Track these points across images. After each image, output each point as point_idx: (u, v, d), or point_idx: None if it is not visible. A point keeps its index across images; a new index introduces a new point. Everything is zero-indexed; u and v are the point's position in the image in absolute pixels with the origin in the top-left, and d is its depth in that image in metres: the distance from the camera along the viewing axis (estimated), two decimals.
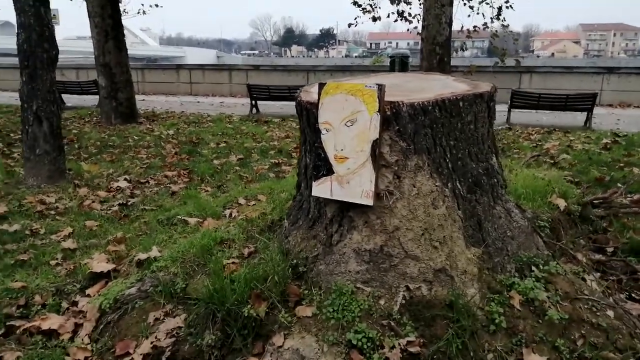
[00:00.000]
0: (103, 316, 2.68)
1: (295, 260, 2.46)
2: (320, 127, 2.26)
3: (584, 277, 2.81)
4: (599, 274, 2.99)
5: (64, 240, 3.97)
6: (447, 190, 2.29)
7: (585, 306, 2.49)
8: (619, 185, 5.70)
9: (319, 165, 2.29)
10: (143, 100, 15.70)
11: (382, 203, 2.22)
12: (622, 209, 4.42)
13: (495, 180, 2.55)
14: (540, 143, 8.74)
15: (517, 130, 10.04)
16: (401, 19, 10.27)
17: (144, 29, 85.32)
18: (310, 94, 2.47)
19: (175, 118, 11.99)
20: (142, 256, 3.04)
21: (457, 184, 2.33)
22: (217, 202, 4.00)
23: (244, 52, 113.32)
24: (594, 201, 4.44)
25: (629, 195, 5.08)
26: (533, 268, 2.54)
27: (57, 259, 3.60)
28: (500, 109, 11.50)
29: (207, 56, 70.36)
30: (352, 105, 2.16)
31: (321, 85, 2.23)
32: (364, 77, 2.81)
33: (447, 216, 2.28)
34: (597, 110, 11.13)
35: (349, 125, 2.18)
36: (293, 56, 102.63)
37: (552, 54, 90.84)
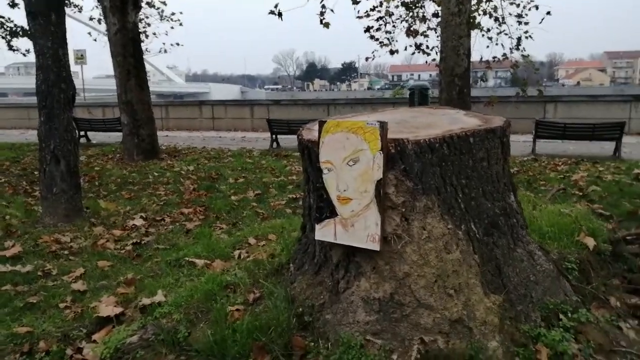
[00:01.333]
0: None
1: (300, 309, 2.30)
2: (322, 166, 2.14)
3: (619, 324, 2.57)
4: (637, 321, 2.74)
5: (75, 281, 3.90)
6: (460, 233, 2.12)
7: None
8: None
9: (322, 206, 2.16)
10: (166, 136, 15.94)
11: (390, 247, 2.07)
12: None
13: (515, 220, 2.37)
14: (567, 174, 8.45)
15: (544, 161, 9.75)
16: (419, 52, 10.25)
17: (170, 66, 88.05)
18: (311, 131, 2.37)
19: (196, 153, 12.08)
20: (146, 301, 2.93)
21: (472, 226, 2.16)
22: (227, 242, 3.89)
23: (267, 86, 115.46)
24: (627, 237, 4.17)
25: None
26: (561, 316, 2.33)
27: (66, 301, 3.51)
28: (526, 139, 11.29)
29: (231, 91, 71.93)
30: (354, 144, 2.04)
31: (321, 123, 2.13)
32: (368, 114, 2.70)
33: (462, 261, 2.10)
34: (626, 139, 10.79)
35: (351, 164, 2.05)
36: (315, 90, 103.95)
37: (578, 82, 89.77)
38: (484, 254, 2.20)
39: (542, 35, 9.57)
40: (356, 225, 2.07)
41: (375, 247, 2.03)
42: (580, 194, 6.95)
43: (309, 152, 2.25)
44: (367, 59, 10.43)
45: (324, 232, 2.16)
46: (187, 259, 3.50)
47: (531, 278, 2.37)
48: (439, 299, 2.06)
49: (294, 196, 7.02)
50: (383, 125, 1.96)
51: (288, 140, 13.38)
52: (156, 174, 9.10)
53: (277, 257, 3.10)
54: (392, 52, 10.26)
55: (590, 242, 3.24)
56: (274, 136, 12.88)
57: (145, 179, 8.54)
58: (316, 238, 2.21)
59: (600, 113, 14.19)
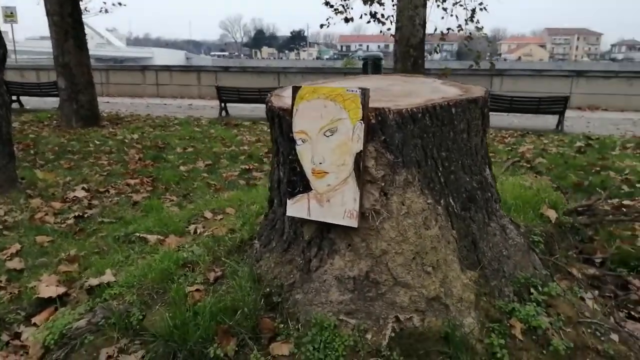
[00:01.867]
0: (47, 353, 2.32)
1: (268, 289, 2.15)
2: (295, 137, 1.96)
3: (582, 295, 2.59)
4: (596, 291, 2.79)
5: (10, 259, 3.57)
6: (439, 208, 2.02)
7: (589, 330, 2.27)
8: (598, 190, 5.62)
9: (294, 180, 1.99)
10: (107, 102, 15.16)
11: (367, 224, 1.94)
12: (606, 216, 4.27)
13: (489, 194, 2.30)
14: (515, 147, 8.66)
15: (491, 134, 9.95)
16: (374, 21, 10.06)
17: (110, 29, 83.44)
18: (282, 98, 2.17)
19: (140, 121, 11.52)
20: (94, 281, 2.69)
21: (451, 201, 2.07)
22: (181, 215, 3.66)
23: (213, 53, 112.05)
24: (578, 208, 4.28)
25: (609, 201, 4.97)
26: (532, 290, 2.30)
27: (0, 281, 3.20)
28: None
29: (175, 57, 69.15)
30: (332, 113, 1.87)
31: (295, 89, 1.94)
32: (343, 80, 2.52)
33: (441, 237, 2.01)
34: (567, 113, 11.18)
35: (329, 135, 1.89)
36: (264, 58, 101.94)
37: (519, 57, 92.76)
38: (461, 229, 2.11)
39: (488, 10, 9.59)
40: (332, 200, 1.91)
41: (353, 223, 1.90)
42: (528, 165, 7.14)
43: (280, 120, 2.06)
44: (321, 26, 10.13)
45: (297, 208, 2.00)
46: (137, 234, 3.25)
47: (504, 253, 2.32)
48: (416, 276, 1.97)
49: (247, 167, 6.81)
50: (365, 93, 1.79)
51: (237, 109, 13.02)
52: (98, 142, 8.58)
53: (237, 233, 2.92)
54: (347, 20, 10.02)
55: (552, 214, 3.27)
56: (223, 104, 12.47)
57: (85, 148, 8.02)
58: (288, 214, 2.04)
59: (543, 87, 14.66)
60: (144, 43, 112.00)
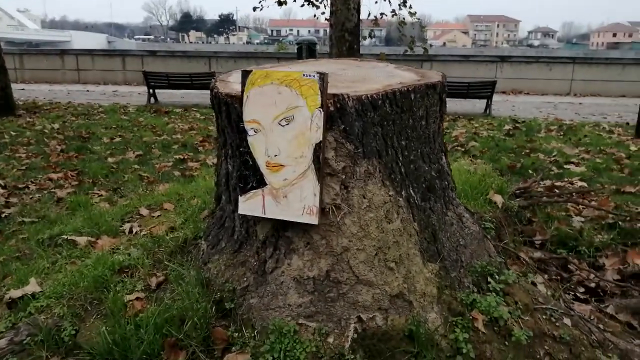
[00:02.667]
0: None
1: (219, 294, 1.96)
2: (246, 126, 1.78)
3: (533, 280, 2.61)
4: (545, 275, 2.84)
5: None
6: (401, 199, 1.91)
7: (544, 317, 2.28)
8: (530, 172, 5.83)
9: (246, 175, 1.80)
10: (22, 89, 14.05)
11: (327, 220, 1.80)
12: (542, 198, 4.41)
13: (446, 182, 2.23)
14: (448, 130, 8.84)
15: None
16: (308, 4, 9.88)
17: (21, 10, 77.42)
18: (229, 84, 1.97)
19: (61, 109, 10.72)
20: (16, 293, 2.37)
21: (411, 191, 1.97)
22: (113, 213, 3.34)
23: (138, 37, 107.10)
24: (516, 191, 4.39)
25: (542, 183, 5.16)
26: (489, 279, 2.27)
27: None
28: None
29: (96, 41, 65.29)
30: (287, 99, 1.70)
31: (245, 74, 1.74)
32: (294, 64, 2.35)
33: (403, 230, 1.91)
34: (494, 98, 11.59)
35: (284, 124, 1.72)
36: (192, 42, 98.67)
37: (444, 43, 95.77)
38: (421, 221, 2.02)
39: None
40: (290, 196, 1.75)
41: (313, 220, 1.75)
42: (463, 149, 7.30)
43: (228, 109, 1.85)
44: (254, 8, 9.81)
45: (250, 205, 1.82)
46: (65, 236, 2.92)
47: (461, 242, 2.27)
48: (379, 273, 1.86)
49: (181, 157, 6.47)
50: (323, 78, 1.64)
51: (167, 95, 12.48)
52: (13, 133, 7.86)
53: (178, 231, 2.68)
54: (280, 3, 9.76)
55: (499, 199, 3.29)
56: (151, 90, 11.85)
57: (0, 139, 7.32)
58: (240, 212, 1.85)
59: (470, 72, 15.17)
60: (60, 26, 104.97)
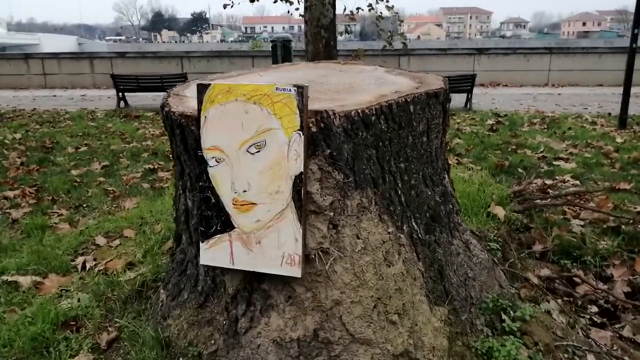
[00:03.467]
0: None
1: (181, 359, 1.58)
2: (206, 155, 1.40)
3: (547, 309, 2.29)
4: (559, 299, 2.53)
5: None
6: (402, 236, 1.56)
7: (567, 355, 1.96)
8: (520, 170, 5.57)
9: (209, 216, 1.42)
10: None
11: (313, 268, 1.43)
12: (535, 200, 4.13)
13: (451, 205, 1.88)
14: None
15: None
16: (281, 0, 9.45)
17: None
18: (184, 100, 1.58)
19: (24, 117, 10.12)
20: None
21: (414, 224, 1.62)
22: (67, 243, 2.92)
23: (109, 38, 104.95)
24: (510, 195, 4.10)
25: (534, 183, 4.89)
26: (503, 316, 1.94)
27: None
28: None
29: (66, 43, 63.53)
30: (257, 120, 1.32)
31: (202, 89, 1.36)
32: (263, 71, 1.96)
33: (406, 274, 1.56)
34: (473, 91, 11.38)
35: (254, 151, 1.34)
36: (164, 42, 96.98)
37: (419, 36, 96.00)
38: (426, 258, 1.68)
39: None
40: (264, 242, 1.38)
41: (296, 272, 1.38)
42: (447, 148, 7.02)
43: (183, 132, 1.47)
44: (224, 6, 9.34)
45: (215, 253, 1.44)
46: (4, 277, 2.49)
47: (469, 274, 1.93)
48: (379, 329, 1.50)
49: (152, 166, 6.02)
50: (302, 92, 1.27)
51: (137, 98, 11.96)
52: None
53: (137, 268, 2.29)
54: (252, 0, 9.31)
55: (501, 212, 2.98)
56: (120, 94, 11.33)
57: None
58: (202, 263, 1.48)
59: (448, 66, 14.96)
60: (28, 28, 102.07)
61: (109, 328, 1.88)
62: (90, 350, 1.80)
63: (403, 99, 1.50)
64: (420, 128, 1.60)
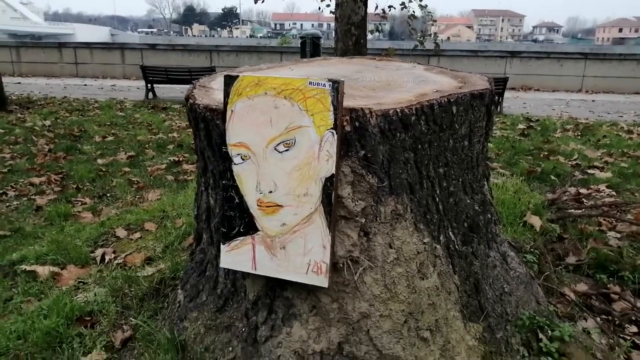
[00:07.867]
0: None
1: None
2: (231, 151, 1.31)
3: (585, 328, 2.15)
4: (598, 317, 2.37)
5: None
6: (438, 247, 1.45)
7: None
8: (552, 177, 5.36)
9: (231, 217, 1.34)
10: (18, 83, 13.65)
11: (341, 278, 1.33)
12: (570, 210, 3.95)
13: (489, 215, 1.76)
14: None
15: None
16: None
17: (24, 2, 76.93)
18: (210, 92, 1.50)
19: (55, 105, 10.28)
20: None
21: (451, 234, 1.50)
22: (87, 234, 2.88)
23: (141, 30, 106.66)
24: (545, 203, 3.93)
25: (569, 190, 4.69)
26: (540, 335, 1.81)
27: None
28: None
29: (99, 34, 64.92)
30: (287, 117, 1.23)
31: (229, 80, 1.27)
32: (295, 65, 1.86)
33: (441, 288, 1.44)
34: (504, 94, 11.15)
35: (283, 150, 1.25)
36: (195, 35, 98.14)
37: (448, 38, 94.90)
38: (462, 271, 1.56)
39: None
40: (290, 247, 1.28)
41: (323, 282, 1.28)
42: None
43: (207, 126, 1.38)
44: (255, 1, 9.30)
45: (236, 257, 1.35)
46: (23, 267, 2.46)
47: (505, 289, 1.80)
48: (409, 345, 1.39)
49: (177, 158, 6.00)
50: (337, 88, 1.16)
51: (166, 90, 12.04)
52: (1, 130, 7.40)
53: (155, 264, 2.22)
54: None
55: (537, 222, 2.82)
56: (149, 85, 11.41)
57: None
58: (222, 266, 1.39)
59: (479, 68, 14.65)
60: (64, 18, 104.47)
61: (124, 326, 1.81)
62: (103, 348, 1.73)
63: (446, 99, 1.38)
64: (462, 131, 1.48)
